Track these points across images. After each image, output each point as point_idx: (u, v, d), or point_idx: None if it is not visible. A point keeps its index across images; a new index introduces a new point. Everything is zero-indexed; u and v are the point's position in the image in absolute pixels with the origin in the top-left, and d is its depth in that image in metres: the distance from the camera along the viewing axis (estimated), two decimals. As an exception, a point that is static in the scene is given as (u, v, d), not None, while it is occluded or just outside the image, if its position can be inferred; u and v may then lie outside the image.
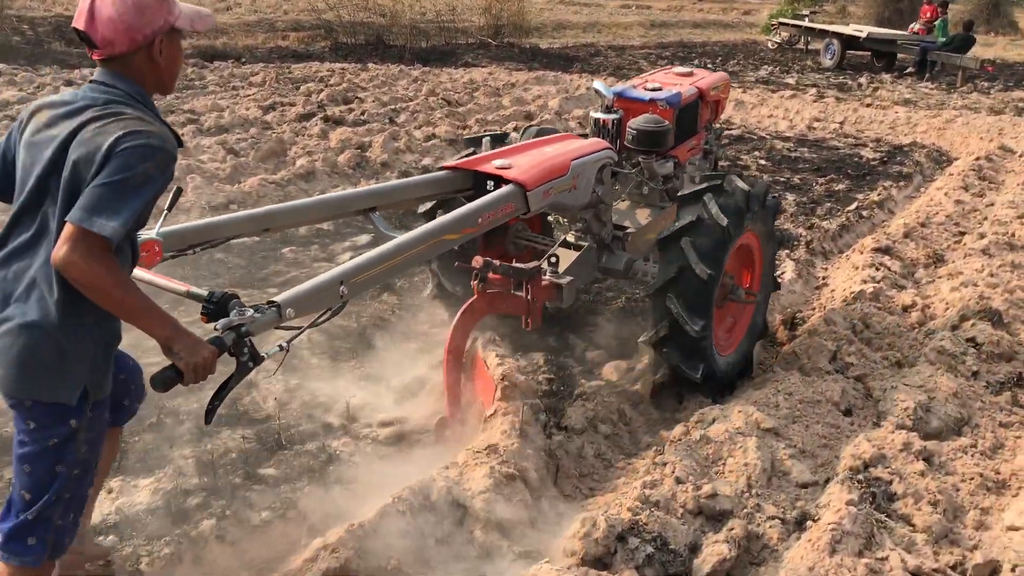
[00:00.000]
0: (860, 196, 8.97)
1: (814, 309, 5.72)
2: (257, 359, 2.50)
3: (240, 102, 11.76)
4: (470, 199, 3.98)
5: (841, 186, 9.43)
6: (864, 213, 8.26)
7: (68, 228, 2.10)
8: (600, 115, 5.12)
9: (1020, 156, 10.65)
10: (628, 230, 4.93)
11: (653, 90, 5.40)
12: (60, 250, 2.09)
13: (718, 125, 6.28)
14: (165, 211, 2.85)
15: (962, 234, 7.52)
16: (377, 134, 9.89)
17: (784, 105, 14.07)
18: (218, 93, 12.43)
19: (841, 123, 13.11)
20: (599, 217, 4.68)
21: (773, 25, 26.16)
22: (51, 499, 2.32)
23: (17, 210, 2.30)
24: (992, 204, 8.49)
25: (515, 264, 3.97)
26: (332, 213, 3.94)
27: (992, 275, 6.00)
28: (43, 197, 2.25)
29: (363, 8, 18.01)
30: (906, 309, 5.56)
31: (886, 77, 19.53)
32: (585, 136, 5.10)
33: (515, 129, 10.84)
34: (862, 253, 6.45)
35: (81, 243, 2.08)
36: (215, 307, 2.48)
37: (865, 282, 5.79)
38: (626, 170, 4.88)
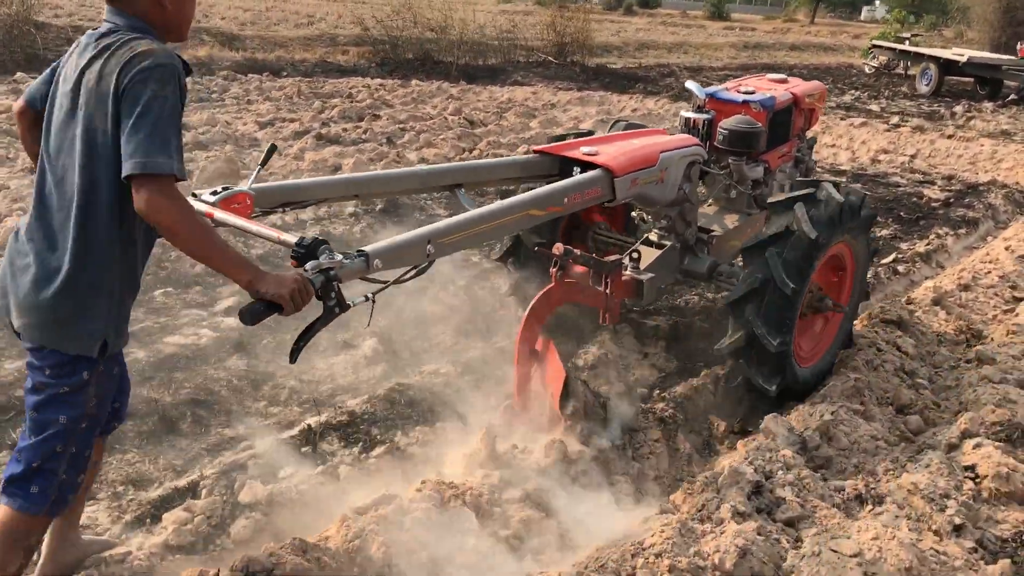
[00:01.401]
0: (905, 246, 7.47)
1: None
2: (343, 306, 2.50)
3: (243, 116, 11.05)
4: None
5: (886, 232, 7.90)
6: (902, 268, 6.79)
7: (136, 182, 2.12)
8: (691, 114, 5.02)
9: (1120, 202, 8.89)
10: (713, 233, 4.78)
11: (747, 93, 5.29)
12: (140, 204, 2.13)
13: (811, 134, 6.01)
14: (259, 166, 3.04)
15: (1017, 300, 6.02)
16: (364, 155, 8.95)
17: (850, 134, 12.48)
18: (228, 106, 11.77)
19: (912, 156, 11.45)
20: (684, 217, 4.55)
21: (871, 48, 24.27)
22: (56, 449, 2.36)
23: (43, 161, 2.34)
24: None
25: (594, 257, 3.92)
26: (420, 185, 3.94)
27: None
28: (61, 147, 2.29)
29: (412, 23, 17.15)
30: (902, 410, 4.19)
31: (987, 106, 17.55)
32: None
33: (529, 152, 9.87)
34: (864, 324, 5.04)
35: (154, 189, 2.11)
36: (305, 251, 2.47)
37: (856, 371, 4.43)
38: (715, 171, 4.87)
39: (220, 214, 2.77)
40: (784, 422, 3.63)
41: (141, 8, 2.32)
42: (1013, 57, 20.14)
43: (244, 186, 3.00)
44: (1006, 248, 7.01)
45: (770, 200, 4.17)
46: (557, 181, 3.79)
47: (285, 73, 15.90)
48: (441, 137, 10.25)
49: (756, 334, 3.88)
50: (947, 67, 19.19)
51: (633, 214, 5.18)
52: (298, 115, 11.35)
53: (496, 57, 19.41)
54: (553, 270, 3.85)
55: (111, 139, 2.19)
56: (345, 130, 10.57)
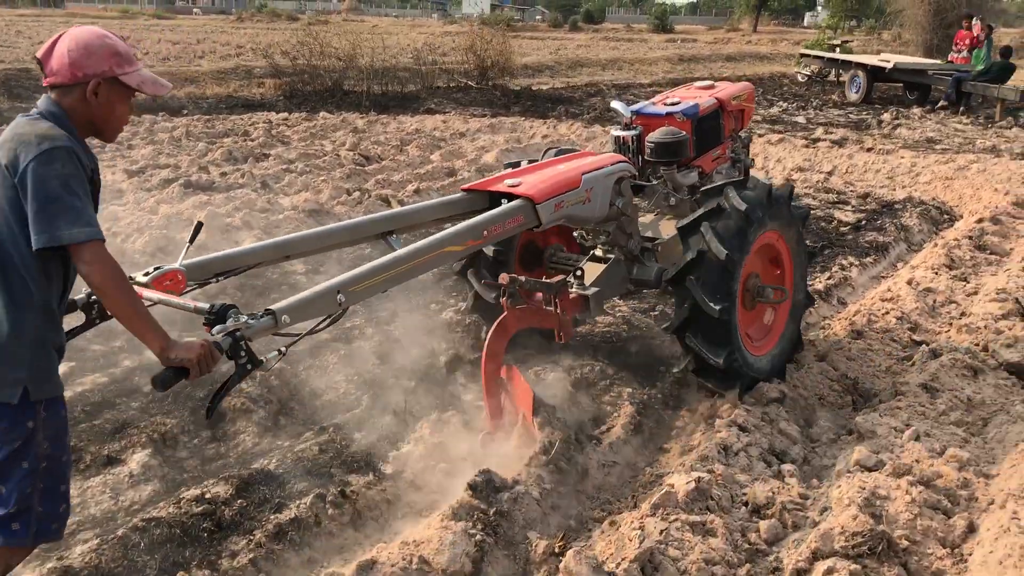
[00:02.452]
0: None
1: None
2: (255, 362, 2.68)
3: (115, 164, 10.22)
4: None
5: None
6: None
7: (72, 250, 2.39)
8: (620, 132, 5.24)
9: (1038, 216, 8.37)
10: (658, 241, 4.92)
11: (671, 104, 5.48)
12: (80, 271, 2.43)
13: (744, 133, 6.22)
14: (187, 244, 3.25)
15: (917, 344, 5.41)
16: (231, 202, 8.18)
17: (766, 152, 11.94)
18: (103, 153, 10.91)
19: (829, 173, 10.92)
20: (623, 229, 4.66)
21: (800, 57, 23.99)
22: (27, 491, 2.52)
23: None
24: (976, 292, 6.31)
25: (542, 280, 4.07)
26: (350, 238, 3.96)
27: (929, 442, 3.93)
28: None
29: (319, 53, 16.41)
30: (758, 511, 3.51)
31: (916, 111, 17.22)
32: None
33: (416, 192, 9.19)
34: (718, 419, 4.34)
35: (85, 255, 2.37)
36: (215, 316, 2.68)
37: (706, 461, 3.75)
38: (651, 183, 5.09)
39: (148, 293, 2.96)
40: (591, 558, 2.92)
41: (72, 101, 2.55)
42: (938, 61, 19.92)
43: (176, 264, 3.19)
44: (908, 282, 6.42)
45: (702, 188, 4.53)
46: None
47: (185, 111, 15.10)
48: (322, 179, 9.50)
49: (699, 303, 4.11)
50: (875, 74, 18.89)
51: (575, 234, 5.26)
52: (177, 159, 10.55)
53: (415, 84, 18.74)
54: (503, 299, 3.94)
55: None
56: (224, 174, 9.80)
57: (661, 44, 42.17)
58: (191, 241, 3.27)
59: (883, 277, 7.19)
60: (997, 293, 6.03)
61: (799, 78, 23.36)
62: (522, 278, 4.00)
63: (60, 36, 2.58)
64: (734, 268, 4.17)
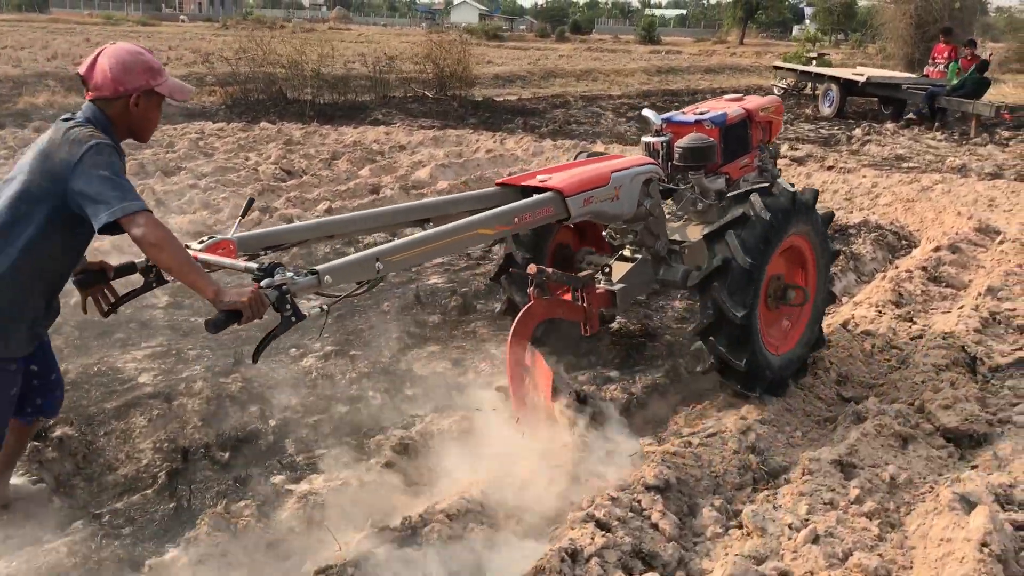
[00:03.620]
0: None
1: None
2: (299, 315, 2.88)
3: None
4: None
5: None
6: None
7: (123, 224, 2.75)
8: (650, 139, 5.35)
9: (1000, 242, 7.60)
10: (684, 244, 5.04)
11: (700, 114, 5.63)
12: (135, 236, 2.76)
13: (773, 145, 6.42)
14: (240, 217, 3.53)
15: (846, 402, 4.63)
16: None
17: (720, 169, 11.17)
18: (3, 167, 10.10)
19: (784, 194, 10.16)
20: (650, 230, 4.77)
21: (775, 70, 23.34)
22: None
23: None
24: (922, 336, 5.54)
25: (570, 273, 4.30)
26: (389, 223, 4.22)
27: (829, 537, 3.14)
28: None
29: (263, 61, 15.60)
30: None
31: (889, 127, 16.52)
32: None
33: (328, 211, 8.41)
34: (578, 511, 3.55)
35: (140, 219, 2.75)
36: (263, 273, 2.88)
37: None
38: (679, 187, 5.26)
39: (203, 255, 3.15)
40: None
41: (115, 111, 3.04)
42: (912, 75, 19.26)
43: (228, 234, 3.35)
44: (845, 324, 5.64)
45: (728, 195, 4.62)
46: None
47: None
48: (224, 196, 8.70)
49: (722, 309, 4.23)
50: (848, 87, 18.21)
51: (604, 233, 5.39)
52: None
53: (371, 93, 17.96)
54: (531, 289, 4.09)
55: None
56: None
57: (645, 55, 41.50)
58: (243, 215, 3.56)
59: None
60: (944, 338, 5.26)
61: (775, 91, 22.68)
62: (550, 270, 4.13)
63: (99, 54, 3.00)
64: (758, 276, 4.31)
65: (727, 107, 5.87)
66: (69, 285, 3.20)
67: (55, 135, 2.89)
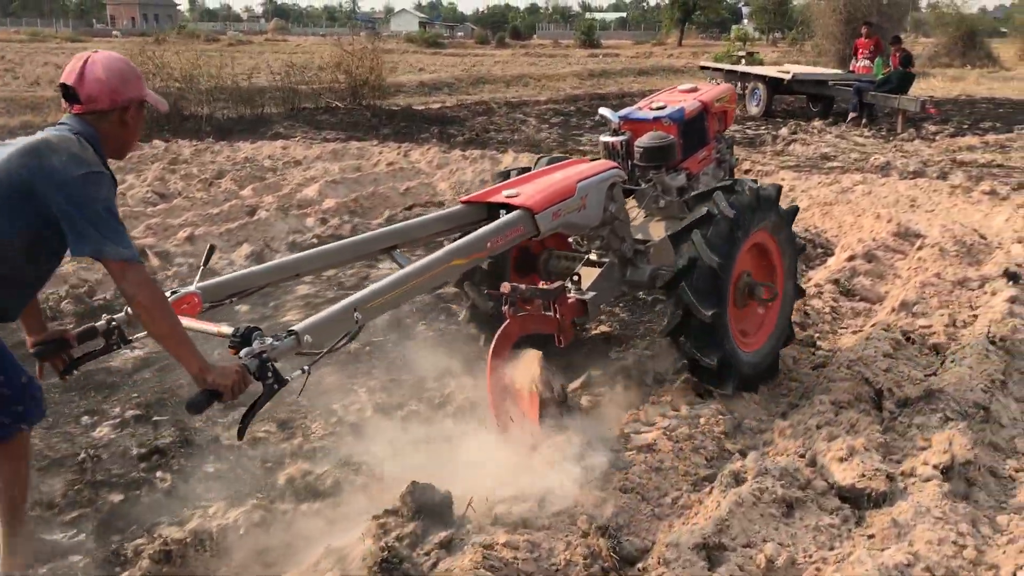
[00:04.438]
0: (616, 354, 5.32)
1: None
2: (281, 381, 2.74)
3: None
4: None
5: (605, 328, 5.77)
6: (585, 401, 4.61)
7: (108, 266, 2.59)
8: (609, 138, 5.35)
9: (919, 247, 7.01)
10: (649, 243, 4.99)
11: (657, 109, 5.62)
12: (124, 290, 2.64)
13: (728, 134, 6.37)
14: (201, 267, 3.40)
15: (728, 456, 3.91)
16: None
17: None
18: None
19: (695, 201, 9.52)
20: (616, 233, 4.74)
21: (701, 70, 22.88)
22: None
23: None
24: (825, 364, 4.87)
25: (540, 286, 4.13)
26: (355, 255, 4.11)
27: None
28: None
29: (155, 75, 14.62)
30: None
31: (816, 125, 16.07)
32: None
33: (189, 238, 7.53)
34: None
35: (129, 274, 2.59)
36: (240, 340, 2.76)
37: None
38: (640, 186, 5.26)
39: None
40: None
41: (107, 125, 2.82)
42: (839, 71, 18.89)
43: (191, 287, 3.27)
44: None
45: (691, 194, 4.59)
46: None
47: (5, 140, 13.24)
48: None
49: (690, 308, 4.20)
50: (775, 85, 17.76)
51: (569, 239, 5.19)
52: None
53: (278, 106, 17.05)
54: (505, 308, 3.96)
55: None
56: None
57: (582, 59, 40.98)
58: (205, 264, 3.42)
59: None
60: (848, 367, 4.60)
61: (704, 91, 22.21)
62: (522, 286, 4.05)
63: (85, 63, 2.76)
64: (725, 274, 4.26)
65: (683, 100, 5.82)
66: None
67: (51, 138, 2.67)
